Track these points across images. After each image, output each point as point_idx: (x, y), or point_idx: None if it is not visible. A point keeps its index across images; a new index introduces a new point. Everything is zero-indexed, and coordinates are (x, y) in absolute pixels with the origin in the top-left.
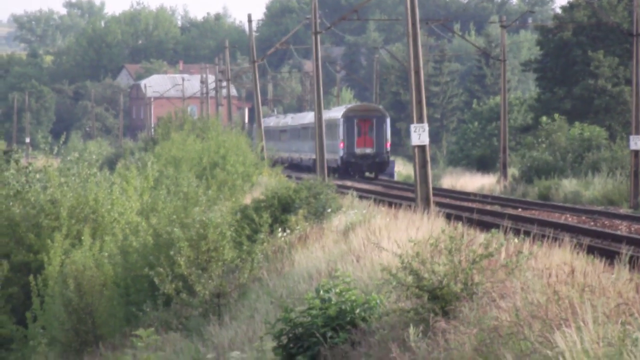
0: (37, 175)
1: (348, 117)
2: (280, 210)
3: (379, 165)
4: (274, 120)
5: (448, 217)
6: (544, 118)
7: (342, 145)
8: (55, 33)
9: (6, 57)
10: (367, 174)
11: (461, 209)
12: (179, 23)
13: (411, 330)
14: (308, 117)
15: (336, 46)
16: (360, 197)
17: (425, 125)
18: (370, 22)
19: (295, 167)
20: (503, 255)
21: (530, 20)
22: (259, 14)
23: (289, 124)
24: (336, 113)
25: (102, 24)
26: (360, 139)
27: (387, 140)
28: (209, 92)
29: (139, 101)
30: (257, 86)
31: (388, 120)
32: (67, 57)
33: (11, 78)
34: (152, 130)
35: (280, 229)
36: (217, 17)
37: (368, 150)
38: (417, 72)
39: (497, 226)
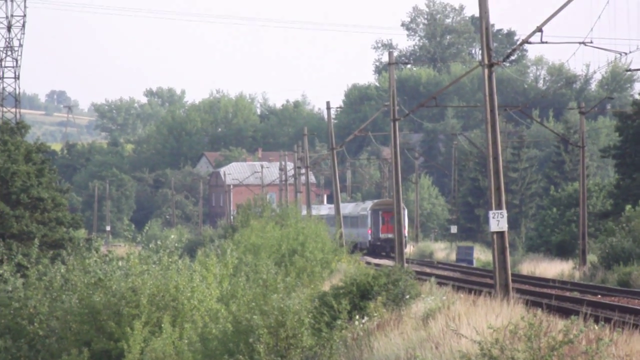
0: (119, 263)
1: (374, 210)
2: (359, 296)
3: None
4: (323, 208)
5: (527, 303)
6: (628, 207)
7: (369, 231)
8: (136, 121)
9: (87, 146)
10: (391, 254)
11: (540, 295)
12: (258, 110)
13: None
14: (349, 207)
15: (415, 133)
16: (439, 283)
17: (504, 212)
18: (448, 109)
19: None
20: (583, 342)
21: (609, 106)
22: (337, 101)
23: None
24: (365, 207)
25: (182, 112)
26: (384, 227)
27: (404, 227)
28: (287, 179)
29: (218, 189)
30: (335, 173)
31: (405, 212)
32: (148, 145)
33: (92, 166)
34: (232, 217)
35: (358, 316)
36: (296, 104)
37: (390, 235)
38: (495, 159)
39: (576, 313)
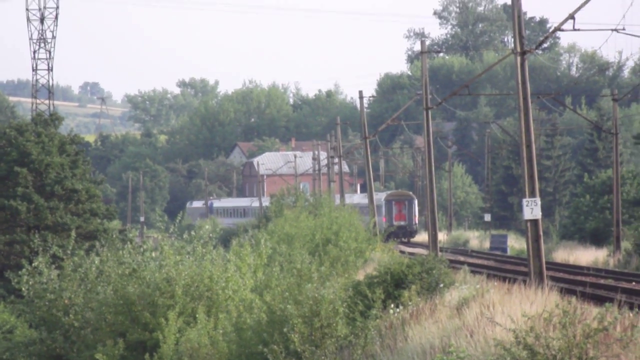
0: (153, 254)
1: (388, 200)
2: (393, 285)
3: (410, 233)
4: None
5: (561, 291)
6: None
7: (384, 219)
8: (169, 112)
9: (121, 137)
10: (402, 239)
11: (575, 282)
12: (291, 100)
13: None
14: (365, 197)
15: (447, 121)
16: (473, 271)
17: (538, 200)
18: (481, 97)
19: None
20: (618, 329)
21: None
22: (370, 90)
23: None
24: (379, 197)
25: (215, 102)
26: (397, 215)
27: (415, 215)
28: (321, 169)
29: (251, 179)
30: (368, 162)
31: (415, 202)
32: (181, 136)
33: (126, 158)
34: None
35: (393, 305)
36: (329, 94)
37: (402, 223)
38: (528, 146)
39: (611, 300)
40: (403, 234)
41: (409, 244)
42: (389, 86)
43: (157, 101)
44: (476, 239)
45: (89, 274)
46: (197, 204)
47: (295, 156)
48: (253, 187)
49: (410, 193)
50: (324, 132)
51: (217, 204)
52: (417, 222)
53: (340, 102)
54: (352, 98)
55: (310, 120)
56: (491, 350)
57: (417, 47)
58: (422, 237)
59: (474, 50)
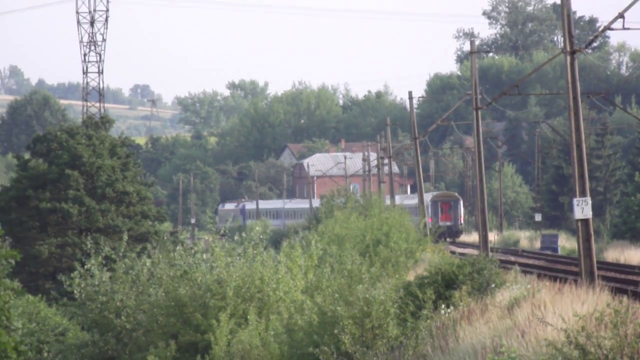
0: (204, 256)
1: (434, 201)
2: (444, 286)
3: (455, 233)
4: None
5: (613, 290)
6: None
7: (430, 220)
8: (219, 114)
9: (171, 139)
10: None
11: (626, 282)
12: (341, 101)
13: None
14: (415, 199)
15: (497, 121)
16: (524, 271)
17: (588, 199)
18: (531, 97)
19: None
20: None
21: None
22: (419, 90)
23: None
24: (425, 198)
25: (265, 104)
26: (443, 216)
27: (460, 216)
28: (371, 170)
29: (302, 180)
30: (418, 163)
31: (461, 202)
32: (231, 137)
33: (176, 160)
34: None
35: (444, 305)
36: (378, 94)
37: (448, 223)
38: (579, 146)
39: None
40: (449, 234)
41: (455, 244)
42: (439, 86)
43: (207, 103)
44: (527, 239)
45: (141, 276)
46: (230, 206)
47: (345, 157)
48: (303, 189)
49: (456, 194)
50: (374, 133)
51: (249, 206)
52: (462, 222)
53: (389, 102)
54: (401, 99)
55: (359, 121)
56: (542, 350)
57: (467, 47)
58: (470, 237)
59: (523, 50)
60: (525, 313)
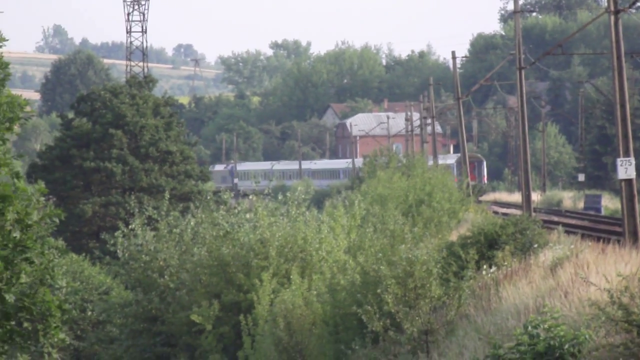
0: (247, 216)
1: (458, 162)
2: (487, 246)
3: (479, 193)
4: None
5: None
6: None
7: (456, 180)
8: (262, 74)
9: (214, 99)
10: None
11: None
12: (384, 61)
13: None
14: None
15: (541, 81)
16: (567, 232)
17: (632, 159)
18: (574, 57)
19: None
20: None
21: None
22: (462, 50)
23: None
24: (450, 160)
25: (308, 63)
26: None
27: (483, 176)
28: (413, 130)
29: (344, 140)
30: (461, 123)
31: (484, 163)
32: (274, 97)
33: (219, 119)
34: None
35: (486, 266)
36: (421, 54)
37: (472, 183)
38: (622, 106)
39: None
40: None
41: (494, 204)
42: (482, 46)
43: (250, 63)
44: (570, 199)
45: (184, 235)
46: (219, 167)
47: (387, 117)
48: (346, 148)
49: (479, 155)
50: (417, 93)
51: (240, 167)
52: (485, 181)
53: (432, 62)
54: (444, 59)
55: (402, 81)
56: (585, 310)
57: (510, 6)
58: (512, 196)
59: (567, 10)
60: (568, 273)
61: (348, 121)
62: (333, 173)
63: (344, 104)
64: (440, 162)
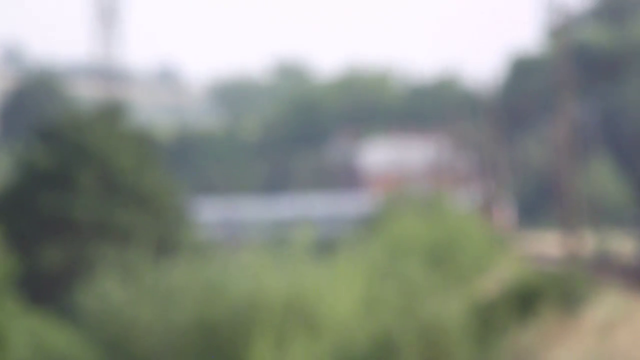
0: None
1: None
2: (523, 303)
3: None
4: None
5: None
6: None
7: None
8: (258, 98)
9: (202, 134)
10: None
11: None
12: (403, 87)
13: None
14: None
15: (591, 107)
16: (618, 283)
17: None
18: (631, 79)
19: None
20: None
21: None
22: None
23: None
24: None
25: (313, 90)
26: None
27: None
28: (438, 163)
29: (353, 174)
30: (493, 156)
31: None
32: (274, 128)
33: (210, 158)
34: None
35: (524, 325)
36: (449, 80)
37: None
38: None
39: None
40: None
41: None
42: (521, 68)
43: (244, 88)
44: (622, 243)
45: (166, 290)
46: (210, 207)
47: (407, 149)
48: (355, 183)
49: (507, 194)
50: (442, 122)
51: (235, 214)
52: (514, 221)
53: (459, 87)
54: (473, 82)
55: (423, 109)
56: None
57: (556, 21)
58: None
59: (621, 22)
60: (623, 336)
61: (359, 153)
62: (339, 217)
63: (354, 134)
64: (465, 200)
